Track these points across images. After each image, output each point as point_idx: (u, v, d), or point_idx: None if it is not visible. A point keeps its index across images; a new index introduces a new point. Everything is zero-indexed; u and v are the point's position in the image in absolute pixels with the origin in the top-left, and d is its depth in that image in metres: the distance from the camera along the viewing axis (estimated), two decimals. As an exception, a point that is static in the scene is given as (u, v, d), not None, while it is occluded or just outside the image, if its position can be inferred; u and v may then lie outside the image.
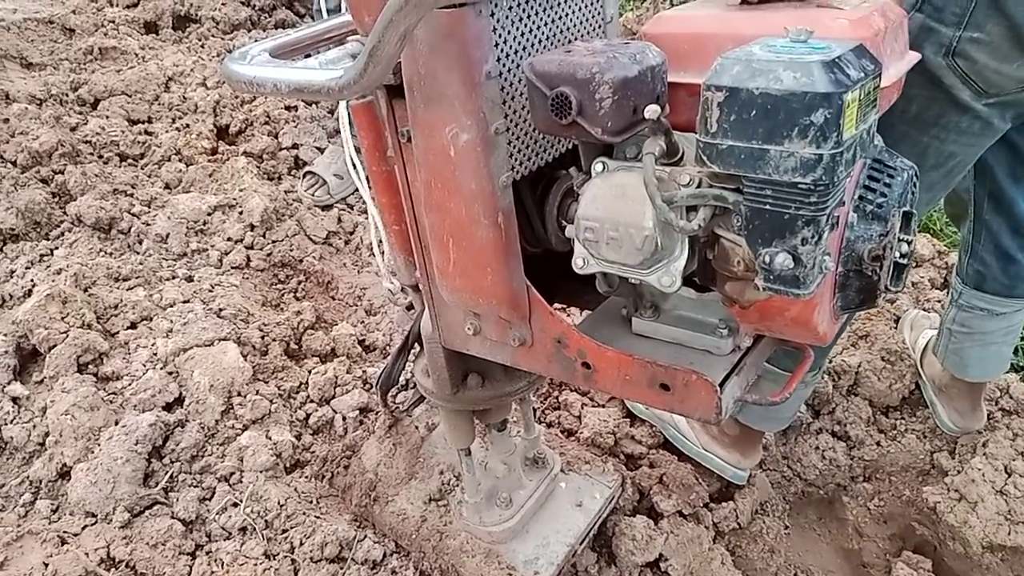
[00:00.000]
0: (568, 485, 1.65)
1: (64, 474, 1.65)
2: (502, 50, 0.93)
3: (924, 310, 2.31)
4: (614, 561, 1.63)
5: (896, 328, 2.26)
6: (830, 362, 2.09)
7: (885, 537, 1.92)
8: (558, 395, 2.01)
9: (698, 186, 0.81)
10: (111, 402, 1.74)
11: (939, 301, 2.39)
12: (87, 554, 1.48)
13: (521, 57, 0.96)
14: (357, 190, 2.61)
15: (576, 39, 1.06)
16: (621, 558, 1.61)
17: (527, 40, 0.97)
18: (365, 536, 1.55)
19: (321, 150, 2.75)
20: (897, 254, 0.88)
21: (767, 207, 0.75)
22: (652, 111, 0.79)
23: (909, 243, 0.88)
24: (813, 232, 0.74)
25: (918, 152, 1.32)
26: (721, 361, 1.04)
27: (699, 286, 1.01)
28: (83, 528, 1.55)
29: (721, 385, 0.98)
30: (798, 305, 0.90)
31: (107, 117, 2.67)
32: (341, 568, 1.51)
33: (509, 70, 0.95)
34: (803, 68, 0.70)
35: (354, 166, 1.36)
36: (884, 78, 0.82)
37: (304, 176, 2.59)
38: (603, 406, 1.98)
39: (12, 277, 2.07)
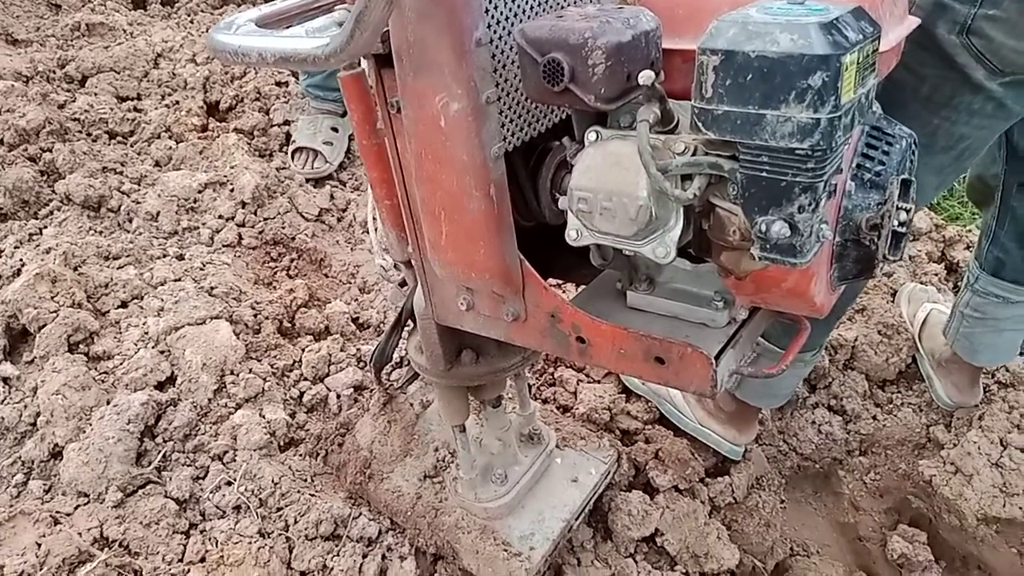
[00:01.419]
0: (564, 461, 1.65)
1: (56, 454, 1.63)
2: (493, 16, 0.91)
3: (921, 283, 2.30)
4: (610, 536, 1.63)
5: (893, 302, 2.25)
6: (826, 336, 2.08)
7: (881, 511, 1.93)
8: (553, 371, 2.00)
9: (693, 154, 0.80)
10: (102, 381, 1.72)
11: (936, 274, 2.38)
12: (80, 534, 1.47)
13: (512, 24, 0.94)
14: (350, 147, 2.60)
15: (568, 4, 1.03)
16: (617, 533, 1.61)
17: (518, 6, 0.95)
18: (360, 513, 1.55)
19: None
20: (895, 223, 0.86)
21: (763, 174, 0.73)
22: (646, 77, 0.77)
23: (908, 211, 0.87)
24: (810, 199, 0.73)
25: (928, 133, 1.28)
26: (716, 334, 1.03)
27: (694, 257, 0.99)
28: (76, 508, 1.54)
29: (717, 358, 0.97)
30: (794, 275, 0.88)
31: (95, 94, 2.64)
32: (336, 545, 1.50)
33: (500, 37, 0.93)
34: (800, 30, 0.68)
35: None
36: (883, 42, 0.80)
37: (293, 154, 2.56)
38: (599, 382, 1.97)
39: (1, 256, 2.05)
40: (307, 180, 2.51)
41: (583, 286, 1.24)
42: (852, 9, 0.74)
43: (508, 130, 0.99)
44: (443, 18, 0.87)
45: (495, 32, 0.92)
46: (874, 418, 2.03)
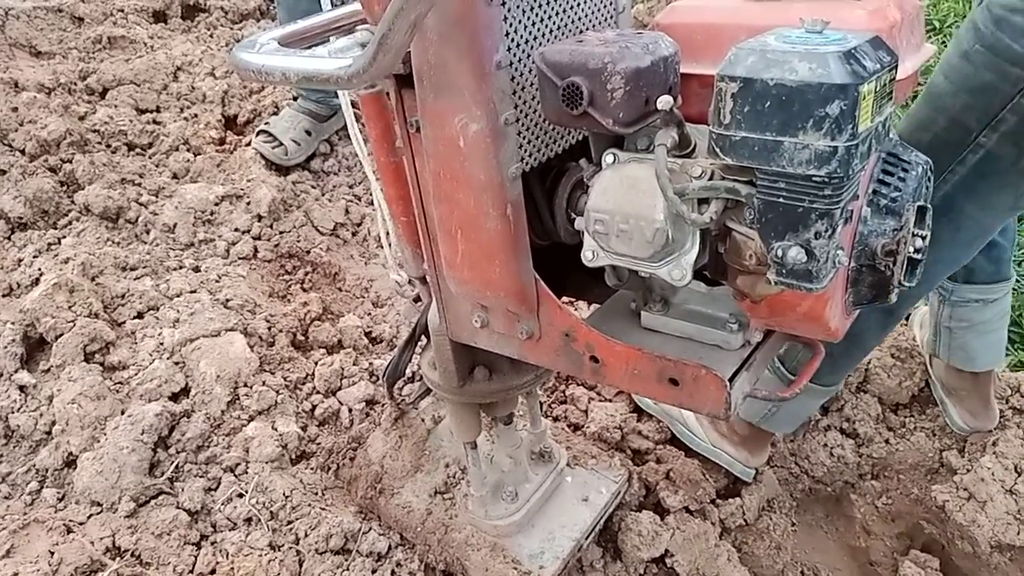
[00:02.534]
0: (574, 479, 1.64)
1: (70, 463, 1.65)
2: (512, 39, 0.93)
3: (935, 307, 2.29)
4: (620, 556, 1.62)
5: (907, 324, 2.24)
6: (839, 359, 2.07)
7: (893, 535, 1.91)
8: (565, 389, 2.00)
9: (710, 178, 0.80)
10: (117, 391, 1.74)
11: (950, 298, 2.37)
12: (92, 543, 1.48)
13: (532, 47, 0.95)
14: (312, 157, 2.62)
15: (587, 29, 1.05)
16: (627, 553, 1.61)
17: (538, 30, 0.96)
18: (370, 528, 1.55)
19: (331, 143, 2.74)
20: (911, 249, 0.86)
21: (780, 200, 0.74)
22: (665, 102, 0.78)
23: (924, 238, 0.87)
24: (827, 226, 0.73)
25: (1017, 196, 1.30)
26: (731, 356, 1.03)
27: (709, 280, 1.00)
28: (89, 517, 1.55)
29: (731, 380, 0.97)
30: (810, 300, 0.89)
31: (115, 106, 2.67)
32: (346, 560, 1.50)
33: (520, 60, 0.94)
34: (819, 59, 0.69)
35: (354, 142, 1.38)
36: (900, 71, 0.81)
37: (258, 134, 2.57)
38: (610, 401, 1.97)
39: (20, 266, 2.07)
40: (261, 157, 2.52)
41: (596, 305, 1.24)
42: (870, 38, 0.75)
43: (525, 151, 1.00)
44: (464, 41, 0.88)
45: (515, 55, 0.93)
46: (887, 442, 2.02)
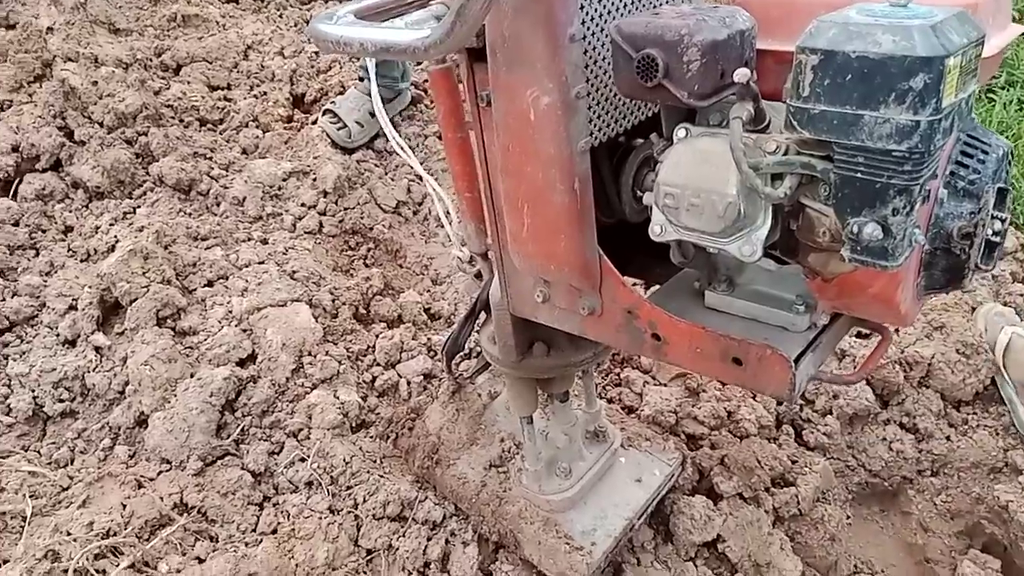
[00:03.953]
0: (628, 460, 1.65)
1: (141, 422, 1.72)
2: (587, 13, 0.93)
3: (1005, 303, 2.22)
4: (671, 539, 1.63)
5: (972, 319, 2.18)
6: (902, 352, 2.03)
7: (951, 534, 1.87)
8: (620, 371, 2.00)
9: (784, 153, 0.80)
10: (188, 355, 1.80)
11: (1021, 295, 2.30)
12: (162, 498, 1.55)
13: (605, 20, 0.96)
14: (376, 137, 2.65)
15: (659, 4, 1.05)
16: (678, 536, 1.61)
17: (612, 3, 0.96)
18: (426, 497, 1.58)
19: (395, 124, 2.78)
20: (989, 232, 0.85)
21: (858, 175, 0.73)
22: (742, 74, 0.78)
23: (1003, 220, 0.85)
24: (905, 202, 0.72)
25: None
26: (796, 338, 1.02)
27: (777, 259, 0.99)
28: (158, 473, 1.62)
29: (796, 362, 0.96)
30: (881, 281, 0.88)
31: (188, 83, 2.75)
32: (402, 527, 1.54)
33: (593, 33, 0.95)
34: (903, 31, 0.68)
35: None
36: (985, 48, 0.79)
37: (324, 112, 2.62)
38: (665, 385, 1.97)
39: (97, 233, 2.16)
40: (326, 136, 2.56)
41: (655, 286, 1.25)
42: (956, 13, 0.73)
43: (595, 125, 1.01)
44: (540, 14, 0.89)
45: (588, 28, 0.94)
46: (948, 438, 1.97)
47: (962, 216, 0.86)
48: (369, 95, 2.64)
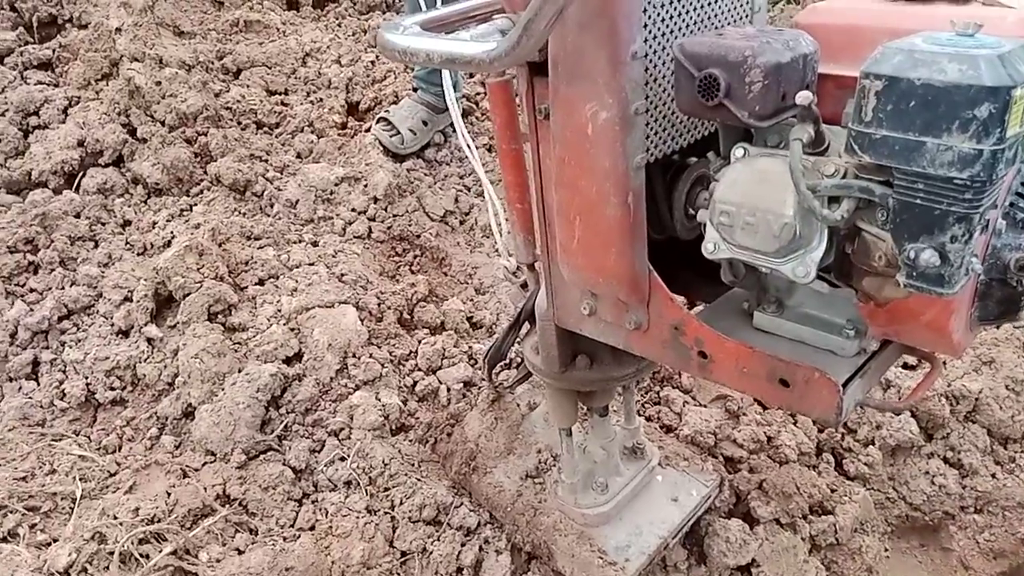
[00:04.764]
0: (665, 479, 1.65)
1: (189, 413, 1.76)
2: (650, 31, 0.95)
3: (1058, 342, 2.17)
4: (704, 561, 1.62)
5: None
6: (948, 385, 1.99)
7: (994, 573, 1.83)
8: (659, 390, 2.00)
9: (843, 176, 0.80)
10: (236, 351, 1.84)
11: (1076, 334, 2.25)
12: (205, 488, 1.59)
13: (668, 39, 0.97)
14: (427, 147, 2.68)
15: (722, 25, 1.06)
16: (712, 558, 1.60)
17: (675, 23, 0.98)
18: (462, 503, 1.60)
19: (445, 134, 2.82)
20: (1049, 265, 0.84)
21: (918, 201, 0.73)
22: (804, 97, 0.78)
23: (1063, 254, 0.84)
24: (964, 230, 0.72)
25: None
26: (845, 363, 1.02)
27: (830, 282, 0.99)
28: (203, 464, 1.65)
29: (844, 386, 0.96)
30: (935, 308, 0.87)
31: (248, 86, 2.82)
32: (437, 531, 1.56)
33: (655, 51, 0.96)
34: (969, 61, 0.69)
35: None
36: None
37: (379, 120, 2.66)
38: (705, 406, 1.96)
39: (154, 228, 2.23)
40: (379, 144, 2.60)
41: (699, 304, 1.25)
42: (1023, 44, 0.73)
43: (652, 142, 1.02)
44: (604, 30, 0.91)
45: (651, 47, 0.95)
46: (993, 476, 1.93)
47: (1020, 248, 0.85)
48: (423, 104, 2.70)
